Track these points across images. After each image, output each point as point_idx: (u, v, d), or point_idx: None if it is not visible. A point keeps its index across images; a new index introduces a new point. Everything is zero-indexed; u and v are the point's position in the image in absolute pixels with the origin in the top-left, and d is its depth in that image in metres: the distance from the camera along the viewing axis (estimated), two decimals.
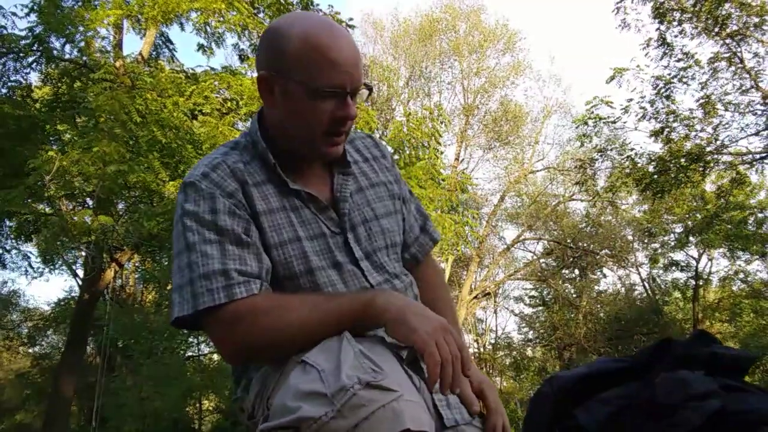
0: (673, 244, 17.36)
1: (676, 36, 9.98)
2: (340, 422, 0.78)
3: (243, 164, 1.11)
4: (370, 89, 1.12)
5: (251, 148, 1.14)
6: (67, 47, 8.41)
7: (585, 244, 17.67)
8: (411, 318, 0.93)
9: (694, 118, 10.07)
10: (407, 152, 9.41)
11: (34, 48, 8.22)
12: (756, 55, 9.75)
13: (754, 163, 10.59)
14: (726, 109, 10.00)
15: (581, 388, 1.03)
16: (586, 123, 11.08)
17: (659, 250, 17.83)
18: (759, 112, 9.97)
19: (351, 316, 0.96)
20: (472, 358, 1.27)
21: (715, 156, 10.30)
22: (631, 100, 10.41)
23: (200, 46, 9.52)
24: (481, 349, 19.51)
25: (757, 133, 10.12)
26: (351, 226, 1.14)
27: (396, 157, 9.21)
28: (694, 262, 17.37)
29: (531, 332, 20.24)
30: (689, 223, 15.50)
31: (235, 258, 1.02)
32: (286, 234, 1.08)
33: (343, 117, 1.07)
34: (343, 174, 1.18)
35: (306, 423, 0.79)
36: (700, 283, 17.09)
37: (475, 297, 17.12)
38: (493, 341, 20.29)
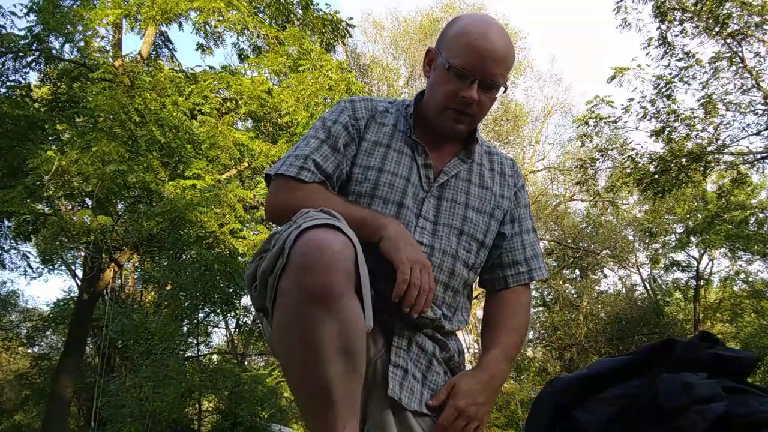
0: (674, 244, 17.32)
1: (676, 35, 9.94)
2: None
3: (384, 109, 1.36)
4: (505, 88, 1.26)
5: (402, 107, 1.37)
6: (66, 47, 8.41)
7: (586, 245, 17.63)
8: (401, 243, 1.09)
9: (695, 117, 10.02)
10: None
11: (33, 47, 8.21)
12: (757, 54, 9.71)
13: (755, 162, 10.55)
14: (727, 109, 9.96)
15: (581, 389, 1.01)
16: (586, 123, 11.03)
17: (660, 251, 17.78)
18: (760, 112, 9.93)
19: (360, 221, 1.11)
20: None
21: (716, 156, 10.26)
22: (632, 99, 10.37)
23: (199, 46, 9.50)
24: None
25: (758, 133, 10.08)
26: (438, 196, 1.29)
27: None
28: (695, 263, 17.34)
29: (531, 332, 20.19)
30: (690, 223, 15.45)
31: (322, 155, 1.26)
32: (374, 162, 1.28)
33: (464, 98, 1.22)
34: (461, 160, 1.34)
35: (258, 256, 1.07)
36: (701, 284, 17.04)
37: (476, 297, 17.09)
38: None
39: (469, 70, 1.20)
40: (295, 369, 0.95)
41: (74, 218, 8.60)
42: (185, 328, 10.80)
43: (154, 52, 9.83)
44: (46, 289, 46.41)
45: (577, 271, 18.91)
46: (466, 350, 1.37)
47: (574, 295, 18.77)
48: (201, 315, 12.20)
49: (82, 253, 9.74)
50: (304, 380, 0.94)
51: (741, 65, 9.73)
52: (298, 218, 1.01)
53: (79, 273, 12.20)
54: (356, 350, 0.94)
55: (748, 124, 10.00)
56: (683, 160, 10.04)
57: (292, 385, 0.97)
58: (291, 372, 0.96)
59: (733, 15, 9.39)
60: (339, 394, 0.92)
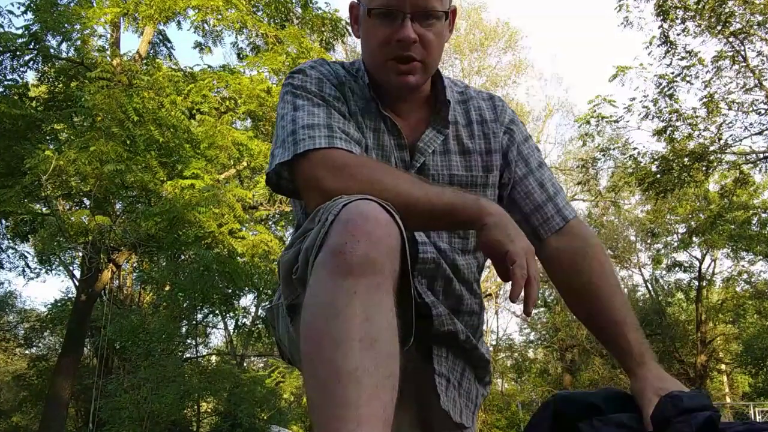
0: (676, 244, 17.27)
1: (679, 34, 9.89)
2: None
3: (344, 75, 1.14)
4: (446, 15, 1.05)
5: (354, 72, 1.16)
6: (64, 45, 8.39)
7: None
8: (511, 228, 0.91)
9: (697, 117, 9.97)
10: None
11: (31, 46, 8.17)
12: (760, 53, 9.66)
13: (758, 162, 10.50)
14: (729, 108, 9.91)
15: (585, 407, 0.99)
16: (588, 122, 10.98)
17: (662, 251, 17.73)
18: (763, 111, 9.87)
19: (450, 206, 0.93)
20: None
21: (719, 155, 10.21)
22: (634, 98, 10.33)
23: (198, 44, 9.46)
24: (490, 349, 19.43)
25: (760, 133, 10.02)
26: None
27: None
28: (697, 263, 17.27)
29: (533, 333, 20.15)
30: (692, 223, 15.39)
31: (340, 122, 1.03)
32: (365, 140, 1.08)
33: (398, 40, 1.02)
34: (437, 131, 1.13)
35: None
36: (704, 284, 16.98)
37: None
38: (494, 343, 20.19)
39: (393, 6, 1.01)
40: (313, 359, 0.76)
41: (72, 218, 8.55)
42: (184, 329, 10.76)
43: (152, 51, 9.79)
44: (44, 289, 46.46)
45: None
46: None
47: None
48: (200, 316, 12.15)
49: (80, 254, 9.69)
50: (321, 370, 0.74)
51: (743, 64, 9.68)
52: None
53: (77, 273, 12.15)
54: (386, 346, 0.75)
55: (751, 124, 9.96)
56: (685, 159, 9.98)
57: (308, 378, 0.77)
58: (309, 365, 0.76)
59: (736, 14, 9.34)
60: (360, 393, 0.71)
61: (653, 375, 1.01)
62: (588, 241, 1.16)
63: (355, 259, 0.76)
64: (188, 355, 11.78)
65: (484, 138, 1.17)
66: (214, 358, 14.24)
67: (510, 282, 0.87)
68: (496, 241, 0.90)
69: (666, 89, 9.99)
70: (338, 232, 0.79)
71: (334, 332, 0.74)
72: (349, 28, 9.09)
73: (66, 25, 7.95)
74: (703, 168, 10.14)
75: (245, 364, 15.62)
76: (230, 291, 9.67)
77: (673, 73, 9.99)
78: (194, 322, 11.22)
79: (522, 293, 0.87)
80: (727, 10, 9.33)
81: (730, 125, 10.00)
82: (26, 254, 11.91)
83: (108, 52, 8.61)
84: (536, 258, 1.13)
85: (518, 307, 20.75)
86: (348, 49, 15.32)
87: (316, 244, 0.81)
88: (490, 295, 18.19)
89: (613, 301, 1.09)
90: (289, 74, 1.13)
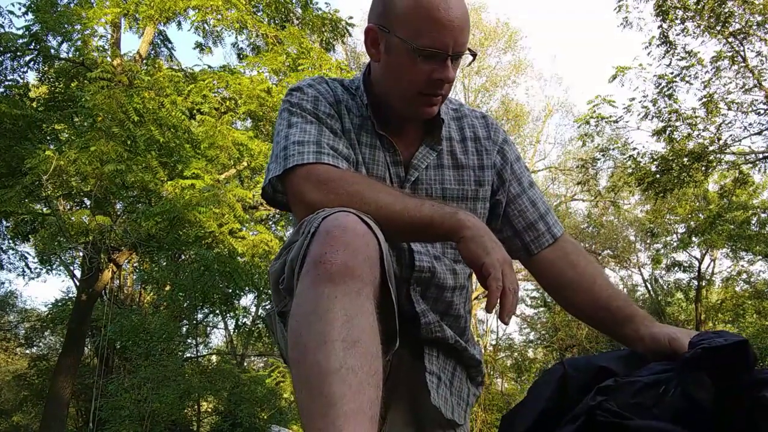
0: (675, 244, 17.28)
1: (678, 34, 9.90)
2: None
3: (342, 93, 1.19)
4: (474, 55, 1.11)
5: (353, 89, 1.21)
6: (64, 46, 8.39)
7: (587, 245, 17.59)
8: (487, 241, 0.95)
9: (696, 117, 9.98)
10: None
11: (32, 47, 8.18)
12: (759, 53, 9.67)
13: (757, 162, 10.51)
14: (729, 108, 9.92)
15: (597, 371, 0.97)
16: (588, 122, 11.00)
17: (662, 251, 17.74)
18: (762, 111, 9.88)
19: (428, 219, 0.97)
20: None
21: (718, 155, 10.22)
22: (633, 99, 10.34)
23: (198, 45, 9.47)
24: (482, 351, 19.45)
25: (759, 133, 10.03)
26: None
27: None
28: (696, 263, 17.28)
29: (532, 333, 20.17)
30: (692, 223, 15.41)
31: (330, 139, 1.09)
32: (359, 158, 1.13)
33: (440, 80, 1.07)
34: (430, 147, 1.19)
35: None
36: (703, 284, 16.99)
37: (476, 298, 17.05)
38: (494, 342, 20.22)
39: (441, 49, 1.04)
40: (299, 363, 0.79)
41: (72, 218, 8.56)
42: (184, 329, 10.76)
43: (152, 51, 9.80)
44: (45, 289, 46.66)
45: None
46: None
47: None
48: (200, 315, 12.17)
49: (81, 254, 9.70)
50: (307, 372, 0.77)
51: (743, 64, 9.69)
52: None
53: (78, 273, 12.16)
54: (368, 346, 0.78)
55: (750, 124, 9.97)
56: (685, 159, 10.00)
57: (296, 381, 0.80)
58: (296, 369, 0.80)
59: (735, 14, 9.35)
60: (345, 391, 0.74)
61: (675, 328, 1.06)
62: (575, 247, 1.26)
63: (335, 267, 0.80)
64: (188, 355, 11.77)
65: (477, 154, 1.23)
66: (214, 357, 14.24)
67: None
68: (474, 253, 0.94)
69: (665, 89, 10.01)
70: (318, 243, 0.84)
71: (317, 336, 0.78)
72: (349, 28, 9.08)
73: (66, 25, 7.95)
74: (703, 168, 10.15)
75: (245, 364, 15.64)
76: (230, 291, 9.68)
77: (672, 73, 10.01)
78: (194, 321, 11.23)
79: (498, 304, 0.92)
80: (726, 10, 9.34)
81: (730, 125, 10.02)
82: (27, 254, 11.92)
83: (108, 53, 8.62)
84: (530, 272, 1.26)
85: (518, 307, 20.73)
86: (348, 49, 15.34)
87: (299, 255, 0.87)
88: None
89: (610, 284, 1.17)
90: (288, 91, 1.18)
